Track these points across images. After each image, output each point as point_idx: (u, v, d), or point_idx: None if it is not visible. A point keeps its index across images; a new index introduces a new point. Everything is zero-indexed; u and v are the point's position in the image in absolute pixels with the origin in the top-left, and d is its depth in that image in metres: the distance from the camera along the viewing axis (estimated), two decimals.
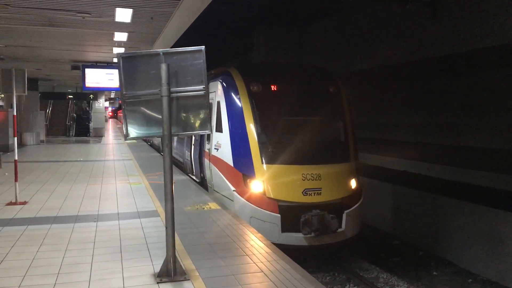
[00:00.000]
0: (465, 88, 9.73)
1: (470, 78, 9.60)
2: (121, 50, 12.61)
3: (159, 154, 17.51)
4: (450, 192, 9.56)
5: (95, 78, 15.97)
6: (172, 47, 10.35)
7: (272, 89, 8.73)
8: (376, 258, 9.24)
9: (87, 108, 31.09)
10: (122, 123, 4.96)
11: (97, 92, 27.01)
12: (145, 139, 23.39)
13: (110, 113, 69.68)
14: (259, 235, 6.34)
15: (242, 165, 8.14)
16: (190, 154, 11.56)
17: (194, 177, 11.17)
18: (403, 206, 10.84)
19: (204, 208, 7.90)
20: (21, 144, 20.70)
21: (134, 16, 8.54)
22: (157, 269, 4.71)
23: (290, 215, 7.58)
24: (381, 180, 11.56)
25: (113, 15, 8.53)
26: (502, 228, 8.20)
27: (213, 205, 8.15)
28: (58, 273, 4.75)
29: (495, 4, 8.90)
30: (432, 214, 9.87)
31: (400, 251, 10.05)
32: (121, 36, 10.71)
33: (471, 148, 9.49)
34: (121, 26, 9.57)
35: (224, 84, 9.06)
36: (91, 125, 30.20)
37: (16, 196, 8.30)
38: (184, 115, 4.75)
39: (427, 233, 10.07)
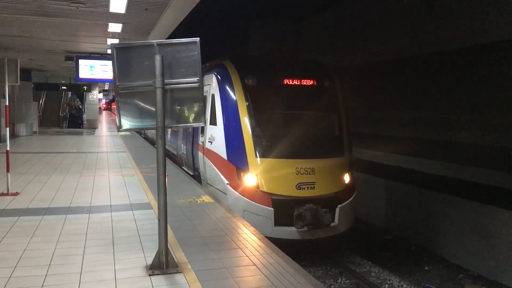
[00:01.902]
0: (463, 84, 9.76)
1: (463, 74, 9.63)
2: (116, 41, 12.49)
3: (153, 146, 17.45)
4: None
5: (88, 69, 15.82)
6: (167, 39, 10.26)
7: (267, 82, 8.70)
8: (368, 252, 9.28)
9: (80, 106, 30.71)
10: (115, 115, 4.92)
11: (91, 83, 26.79)
12: (139, 131, 23.31)
13: (104, 105, 69.09)
14: (252, 228, 6.33)
15: (236, 158, 8.12)
16: (184, 147, 11.52)
17: (187, 170, 11.13)
18: None
19: (197, 201, 7.88)
20: (13, 135, 20.53)
21: (128, 6, 8.45)
22: (149, 261, 4.69)
23: (284, 209, 7.59)
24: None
25: (107, 6, 8.43)
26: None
27: (206, 198, 8.13)
28: (50, 265, 4.72)
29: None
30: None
31: (392, 245, 10.10)
32: (115, 27, 10.60)
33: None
34: (116, 17, 9.47)
35: (219, 77, 9.01)
36: (85, 116, 30.02)
37: (8, 187, 8.23)
38: (178, 107, 4.71)
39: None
